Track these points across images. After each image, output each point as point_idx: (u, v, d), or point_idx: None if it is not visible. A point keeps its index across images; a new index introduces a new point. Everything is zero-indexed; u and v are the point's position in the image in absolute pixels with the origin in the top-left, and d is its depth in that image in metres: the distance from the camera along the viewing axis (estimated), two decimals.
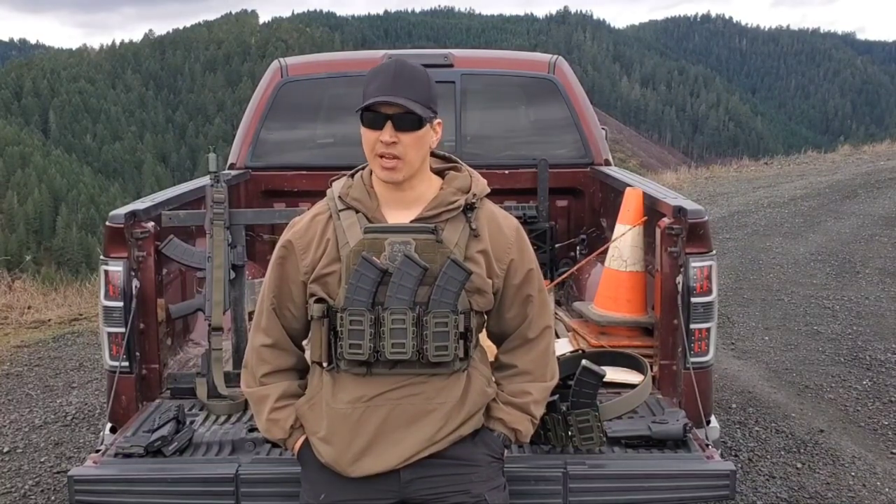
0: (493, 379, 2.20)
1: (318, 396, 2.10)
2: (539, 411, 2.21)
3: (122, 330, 2.88)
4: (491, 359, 2.26)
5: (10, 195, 77.34)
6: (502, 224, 2.14)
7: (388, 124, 1.98)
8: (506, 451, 2.19)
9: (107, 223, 2.93)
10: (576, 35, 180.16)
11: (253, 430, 2.64)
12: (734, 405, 4.87)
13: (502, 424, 2.16)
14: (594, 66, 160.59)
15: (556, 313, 3.76)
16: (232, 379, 2.92)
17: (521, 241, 2.16)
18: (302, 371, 2.20)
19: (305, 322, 2.13)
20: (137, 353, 2.95)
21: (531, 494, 2.40)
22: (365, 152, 2.05)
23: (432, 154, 2.15)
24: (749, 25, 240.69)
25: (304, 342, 2.18)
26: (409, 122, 1.99)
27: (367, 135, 2.02)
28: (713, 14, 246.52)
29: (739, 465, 4.07)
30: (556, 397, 2.37)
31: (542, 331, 2.19)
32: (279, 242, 2.14)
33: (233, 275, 3.02)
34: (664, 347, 3.01)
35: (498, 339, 2.25)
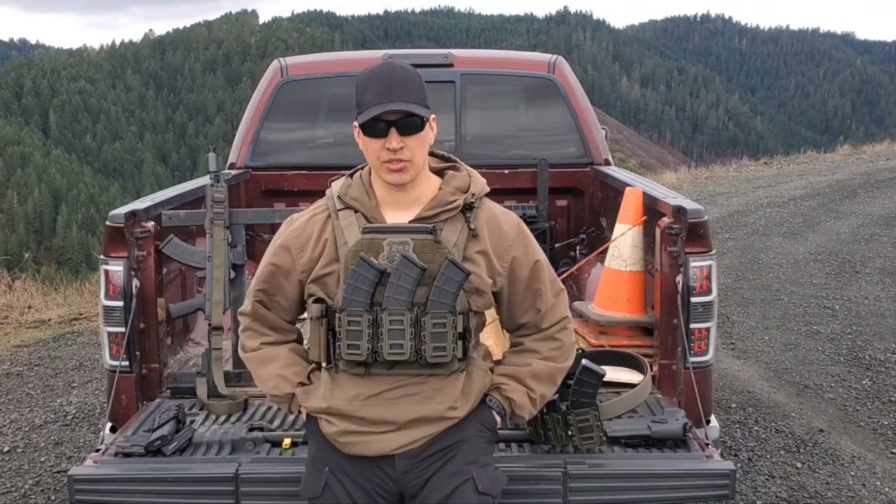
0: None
1: (316, 393, 2.11)
2: (537, 386, 2.16)
3: (122, 329, 2.89)
4: (497, 357, 2.25)
5: (10, 195, 77.26)
6: (502, 222, 2.13)
7: (393, 131, 1.97)
8: (498, 420, 2.15)
9: (107, 223, 2.94)
10: (576, 35, 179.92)
11: (253, 429, 2.65)
12: (734, 405, 4.87)
13: (496, 391, 2.14)
14: (594, 66, 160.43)
15: None
16: (232, 378, 2.92)
17: (524, 236, 2.15)
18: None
19: (293, 319, 2.18)
20: (137, 353, 2.95)
21: (531, 494, 2.40)
22: (369, 160, 2.05)
23: (431, 154, 2.15)
24: (749, 25, 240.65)
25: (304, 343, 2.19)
26: (412, 125, 1.99)
27: (371, 144, 2.00)
28: (713, 14, 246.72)
29: (739, 465, 4.07)
30: (556, 397, 2.37)
31: (558, 321, 2.17)
32: (275, 238, 2.15)
33: (233, 274, 3.03)
34: (664, 347, 3.01)
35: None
